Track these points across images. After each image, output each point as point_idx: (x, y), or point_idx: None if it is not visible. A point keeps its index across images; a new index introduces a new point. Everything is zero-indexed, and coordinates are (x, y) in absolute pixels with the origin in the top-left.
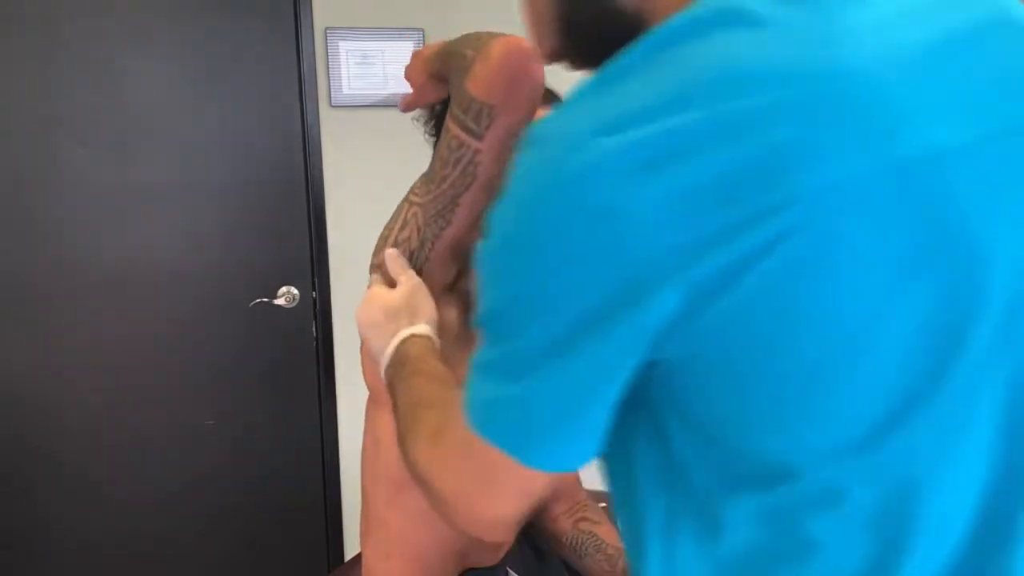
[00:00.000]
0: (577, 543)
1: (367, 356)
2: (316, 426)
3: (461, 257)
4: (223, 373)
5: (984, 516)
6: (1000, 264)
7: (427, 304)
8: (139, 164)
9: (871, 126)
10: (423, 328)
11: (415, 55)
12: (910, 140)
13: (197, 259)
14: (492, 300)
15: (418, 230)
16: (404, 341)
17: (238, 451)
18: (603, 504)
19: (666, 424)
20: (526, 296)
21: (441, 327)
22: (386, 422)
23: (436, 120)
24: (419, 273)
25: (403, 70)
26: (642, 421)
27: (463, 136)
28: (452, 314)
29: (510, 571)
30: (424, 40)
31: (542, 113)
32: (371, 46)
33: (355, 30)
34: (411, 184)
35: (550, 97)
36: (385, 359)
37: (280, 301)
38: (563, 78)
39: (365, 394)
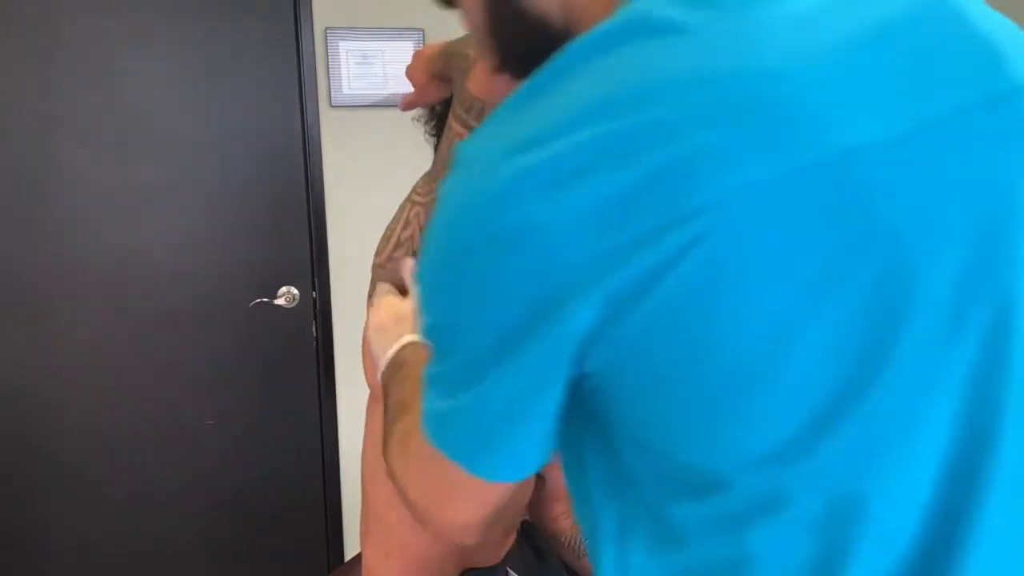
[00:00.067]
0: (577, 543)
1: (369, 357)
2: (316, 426)
3: None
4: (223, 373)
5: (936, 517)
6: (930, 259)
7: None
8: (139, 164)
9: (782, 128)
10: None
11: (416, 55)
12: (822, 141)
13: (197, 259)
14: (429, 317)
15: (420, 229)
16: (405, 346)
17: (238, 451)
18: None
19: (611, 435)
20: (455, 313)
21: None
22: None
23: (437, 120)
24: None
25: (404, 70)
26: (590, 432)
27: (466, 135)
28: None
29: (510, 571)
30: (424, 40)
31: None
32: (371, 46)
33: (355, 30)
34: (412, 184)
35: None
36: (384, 362)
37: (280, 301)
38: None
39: (365, 394)
